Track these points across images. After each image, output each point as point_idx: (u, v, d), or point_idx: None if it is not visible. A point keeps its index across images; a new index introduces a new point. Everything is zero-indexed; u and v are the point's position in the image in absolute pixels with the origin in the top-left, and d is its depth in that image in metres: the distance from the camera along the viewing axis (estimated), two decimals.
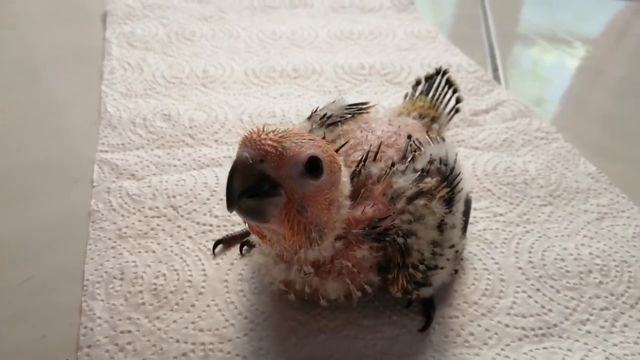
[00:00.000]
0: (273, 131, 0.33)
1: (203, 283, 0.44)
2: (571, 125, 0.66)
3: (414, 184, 0.38)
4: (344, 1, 0.95)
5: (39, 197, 0.54)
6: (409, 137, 0.42)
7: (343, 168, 0.37)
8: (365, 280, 0.39)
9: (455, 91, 0.53)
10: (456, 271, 0.44)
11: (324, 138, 0.42)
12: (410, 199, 0.38)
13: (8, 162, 0.58)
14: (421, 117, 0.49)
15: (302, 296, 0.40)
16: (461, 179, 0.40)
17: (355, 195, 0.39)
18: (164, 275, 0.45)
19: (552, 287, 0.44)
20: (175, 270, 0.45)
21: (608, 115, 0.70)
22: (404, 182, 0.38)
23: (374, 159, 0.40)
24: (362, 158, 0.40)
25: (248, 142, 0.33)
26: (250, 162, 0.32)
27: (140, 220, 0.50)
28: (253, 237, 0.40)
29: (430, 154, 0.40)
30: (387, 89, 0.70)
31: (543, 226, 0.50)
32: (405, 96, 0.54)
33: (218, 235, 0.48)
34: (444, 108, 0.52)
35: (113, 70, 0.74)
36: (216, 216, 0.51)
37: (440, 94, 0.53)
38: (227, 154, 0.59)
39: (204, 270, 0.45)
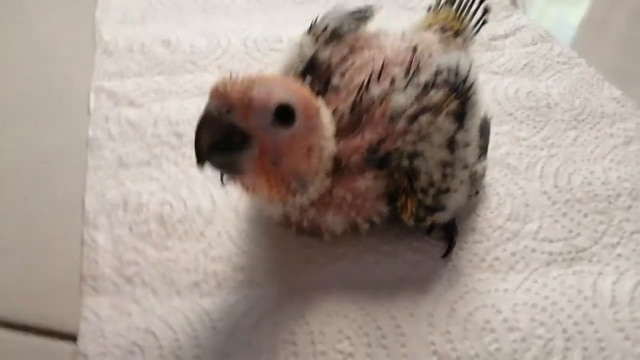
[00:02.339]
0: (242, 79, 0.31)
1: (212, 211, 0.42)
2: (592, 49, 0.63)
3: (416, 100, 0.35)
4: None
5: (32, 127, 0.50)
6: (414, 50, 0.39)
7: (323, 108, 0.35)
8: (373, 211, 0.37)
9: (482, 0, 0.48)
10: (477, 192, 0.41)
11: (330, 59, 0.39)
12: (413, 118, 0.35)
13: None
14: (443, 30, 0.45)
15: (303, 230, 0.38)
16: (475, 90, 0.37)
17: (357, 123, 0.36)
18: (170, 203, 0.42)
19: (579, 211, 0.42)
20: (182, 198, 0.43)
21: (630, 39, 0.66)
22: (403, 99, 0.35)
23: (378, 80, 0.37)
24: (362, 82, 0.37)
25: (214, 93, 0.30)
26: (217, 114, 0.30)
27: (141, 148, 0.47)
28: None
29: (438, 65, 0.37)
30: (401, 15, 0.66)
31: (568, 150, 0.47)
32: (429, 9, 0.50)
33: None
34: (470, 20, 0.48)
35: None
36: None
37: (465, 4, 0.48)
38: None
39: (212, 197, 0.43)
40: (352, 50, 0.40)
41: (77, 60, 0.59)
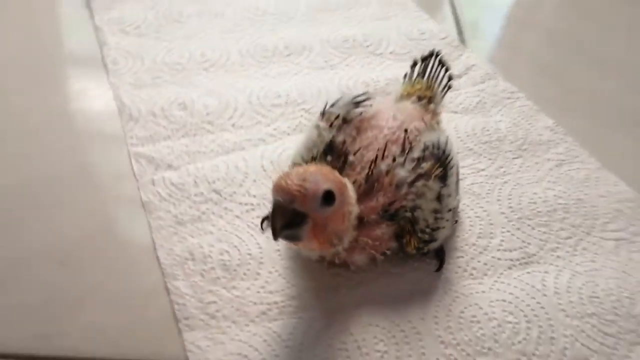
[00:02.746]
0: (295, 175, 0.44)
1: (260, 254, 0.54)
2: (528, 81, 0.78)
3: (412, 170, 0.50)
4: None
5: (89, 199, 0.61)
6: (406, 131, 0.53)
7: (348, 183, 0.49)
8: (386, 247, 0.51)
9: (447, 70, 0.62)
10: (456, 221, 0.56)
11: (344, 142, 0.52)
12: (411, 183, 0.50)
13: (48, 170, 0.64)
14: (420, 99, 0.59)
15: (334, 264, 0.52)
16: (452, 157, 0.52)
17: (371, 189, 0.50)
18: (227, 252, 0.55)
19: (529, 225, 0.57)
20: (235, 246, 0.55)
21: (558, 71, 0.83)
22: (404, 172, 0.50)
23: (382, 158, 0.51)
24: (372, 160, 0.50)
25: (279, 189, 0.44)
26: (284, 204, 0.43)
27: (190, 207, 0.59)
28: None
29: (424, 143, 0.52)
30: (372, 61, 0.79)
31: (516, 176, 0.63)
32: (405, 76, 0.63)
33: (260, 213, 0.58)
34: (438, 87, 0.62)
35: (115, 60, 0.78)
36: (254, 196, 0.60)
37: (434, 75, 0.62)
38: (247, 137, 0.67)
39: (258, 243, 0.55)
40: (359, 131, 0.53)
41: (107, 127, 0.69)
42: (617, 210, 0.59)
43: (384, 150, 0.51)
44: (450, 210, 0.51)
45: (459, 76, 0.77)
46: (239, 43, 0.82)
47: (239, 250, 0.55)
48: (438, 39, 0.83)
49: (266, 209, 0.59)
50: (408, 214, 0.49)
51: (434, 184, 0.50)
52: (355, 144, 0.53)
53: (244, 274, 0.53)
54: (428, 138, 0.52)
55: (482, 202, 0.60)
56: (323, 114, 0.55)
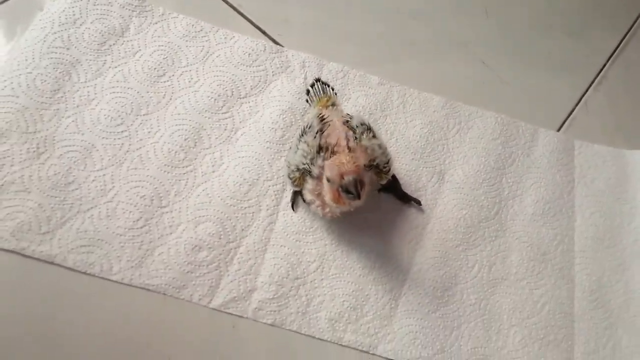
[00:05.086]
0: (348, 161, 0.74)
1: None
2: (334, 51, 1.00)
3: (367, 140, 0.81)
4: (101, 35, 0.93)
5: None
6: (347, 122, 0.83)
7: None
8: (375, 187, 0.86)
9: (328, 84, 0.91)
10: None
11: (326, 142, 0.79)
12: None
13: None
14: (333, 105, 0.87)
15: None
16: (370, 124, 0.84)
17: None
18: (351, 297, 0.83)
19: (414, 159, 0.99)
20: (353, 291, 0.84)
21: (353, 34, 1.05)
22: (365, 141, 0.81)
23: (347, 139, 0.79)
24: (345, 144, 0.77)
25: (350, 171, 0.73)
26: (356, 178, 0.72)
27: (295, 295, 0.81)
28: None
29: (360, 121, 0.82)
30: (251, 105, 0.91)
31: (403, 131, 1.00)
32: (307, 101, 0.91)
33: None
34: (333, 94, 0.91)
35: None
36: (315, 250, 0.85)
37: (326, 89, 0.91)
38: (259, 220, 0.85)
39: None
40: (325, 132, 0.80)
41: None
42: (445, 114, 1.02)
43: (346, 136, 0.81)
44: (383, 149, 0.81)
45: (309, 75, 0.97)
46: (158, 172, 0.85)
47: (359, 291, 0.83)
48: (263, 53, 0.97)
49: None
50: (375, 162, 0.82)
51: (376, 140, 0.83)
52: (331, 139, 0.80)
53: (366, 311, 0.83)
54: (357, 119, 0.84)
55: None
56: (302, 134, 0.82)
